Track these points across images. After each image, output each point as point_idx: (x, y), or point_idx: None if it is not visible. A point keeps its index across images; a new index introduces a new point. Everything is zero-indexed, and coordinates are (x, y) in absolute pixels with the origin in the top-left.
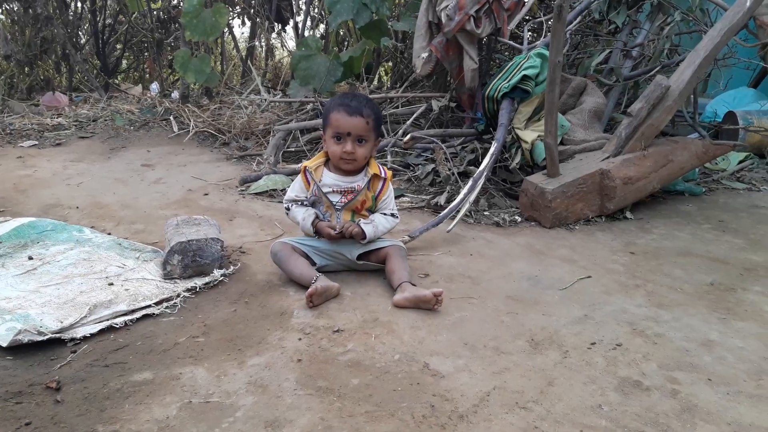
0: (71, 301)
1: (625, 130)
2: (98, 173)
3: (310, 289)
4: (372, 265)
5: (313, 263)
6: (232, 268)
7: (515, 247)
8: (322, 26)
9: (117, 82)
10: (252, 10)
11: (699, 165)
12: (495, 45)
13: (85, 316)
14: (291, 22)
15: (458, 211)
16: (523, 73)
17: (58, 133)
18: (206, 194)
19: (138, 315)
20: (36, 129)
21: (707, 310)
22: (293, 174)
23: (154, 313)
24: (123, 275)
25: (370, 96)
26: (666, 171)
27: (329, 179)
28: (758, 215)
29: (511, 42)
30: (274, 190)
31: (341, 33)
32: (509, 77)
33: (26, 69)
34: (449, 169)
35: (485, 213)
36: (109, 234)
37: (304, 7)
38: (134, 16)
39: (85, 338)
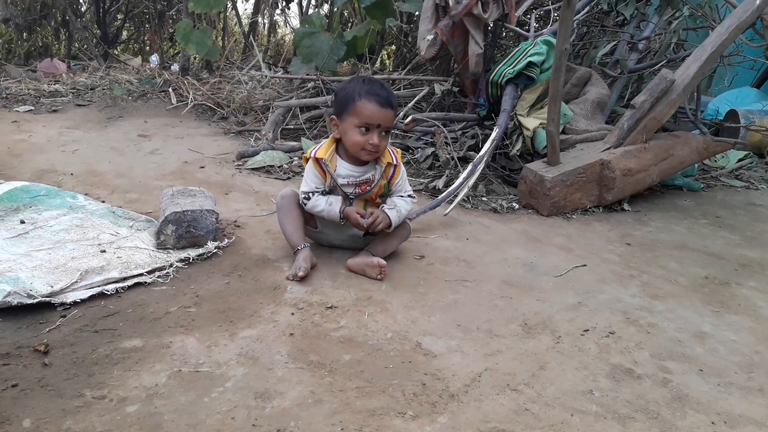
0: (62, 266)
1: (628, 122)
2: (94, 141)
3: (302, 254)
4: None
5: (315, 226)
6: (226, 241)
7: (512, 233)
8: (326, 5)
9: (116, 52)
10: None
11: (699, 161)
12: (501, 31)
13: (76, 282)
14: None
15: (456, 196)
16: (529, 59)
17: (54, 100)
18: (202, 167)
19: (130, 283)
20: (32, 95)
21: (701, 302)
22: (291, 151)
23: (145, 282)
24: (116, 243)
25: (373, 77)
26: (666, 165)
27: (343, 170)
28: (755, 213)
29: (517, 29)
30: (272, 166)
31: (346, 12)
32: (515, 63)
33: (25, 34)
34: (449, 154)
35: (483, 199)
36: (103, 202)
37: None
38: None
39: (75, 303)
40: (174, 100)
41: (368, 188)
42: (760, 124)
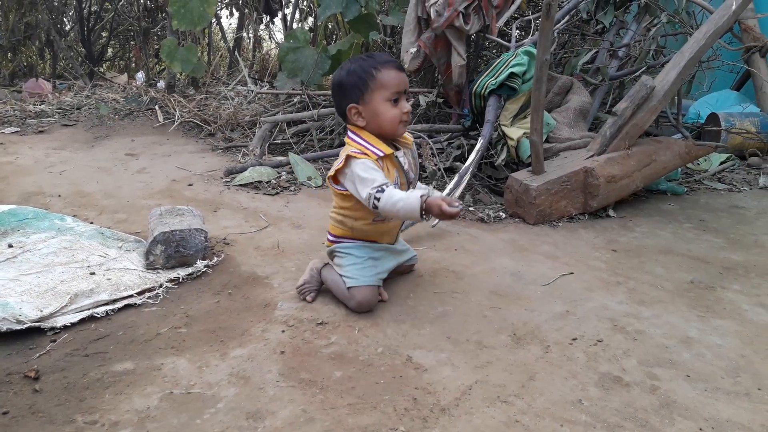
0: (52, 290)
1: (610, 129)
2: (81, 162)
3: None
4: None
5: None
6: (215, 259)
7: (499, 242)
8: (310, 19)
9: (102, 70)
10: (240, 1)
11: (681, 165)
12: (483, 42)
13: (66, 305)
14: (279, 14)
15: None
16: (511, 70)
17: (40, 121)
18: (190, 185)
19: (120, 305)
20: (18, 116)
21: (687, 307)
22: (279, 166)
23: (136, 303)
24: (105, 264)
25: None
26: (649, 170)
27: (401, 158)
28: (738, 215)
29: (499, 39)
30: (260, 181)
31: (330, 26)
32: (497, 74)
33: (9, 54)
34: (435, 165)
35: (470, 209)
36: (92, 223)
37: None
38: (120, 3)
39: (65, 327)
40: (161, 118)
41: (412, 177)
42: (740, 126)
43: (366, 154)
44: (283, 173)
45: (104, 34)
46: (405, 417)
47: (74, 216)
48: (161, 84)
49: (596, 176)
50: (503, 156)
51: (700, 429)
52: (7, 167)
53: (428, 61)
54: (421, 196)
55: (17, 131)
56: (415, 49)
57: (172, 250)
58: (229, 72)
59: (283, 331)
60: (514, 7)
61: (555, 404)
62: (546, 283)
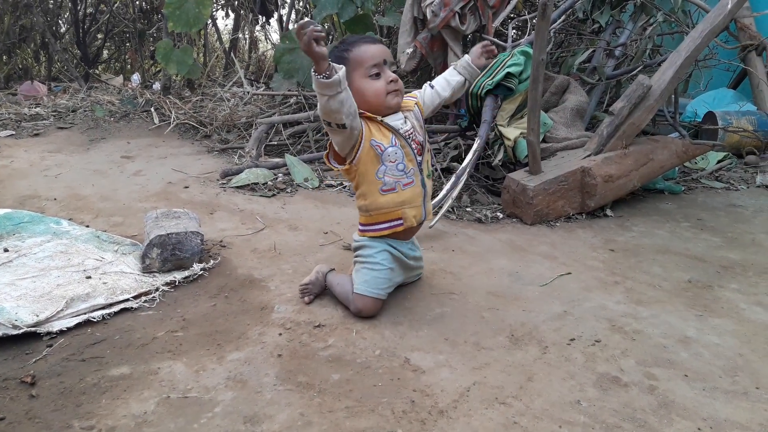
0: (47, 295)
1: (607, 129)
2: (77, 165)
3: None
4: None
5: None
6: (212, 262)
7: (497, 243)
8: (306, 19)
9: (97, 72)
10: (236, 2)
11: (679, 164)
12: (480, 42)
13: (62, 310)
14: (275, 15)
15: (441, 207)
16: (507, 70)
17: (36, 123)
18: (186, 187)
19: (116, 309)
20: (13, 119)
21: (685, 307)
22: (275, 167)
23: (132, 307)
24: (101, 268)
25: None
26: (646, 169)
27: (395, 121)
28: (735, 214)
29: (495, 39)
30: (256, 183)
31: (326, 27)
32: (493, 74)
33: (4, 57)
34: (432, 165)
35: (467, 209)
36: (88, 226)
37: (288, 0)
38: (116, 5)
39: (61, 332)
40: (156, 120)
41: (420, 142)
42: (737, 125)
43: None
44: (280, 175)
45: (99, 36)
46: (403, 419)
47: (70, 219)
48: (157, 86)
49: (593, 176)
50: (500, 156)
51: (699, 429)
52: (2, 171)
53: (425, 62)
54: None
55: (12, 134)
56: (411, 50)
57: (168, 254)
58: (225, 73)
59: (280, 334)
60: (510, 7)
61: (553, 405)
62: (544, 283)
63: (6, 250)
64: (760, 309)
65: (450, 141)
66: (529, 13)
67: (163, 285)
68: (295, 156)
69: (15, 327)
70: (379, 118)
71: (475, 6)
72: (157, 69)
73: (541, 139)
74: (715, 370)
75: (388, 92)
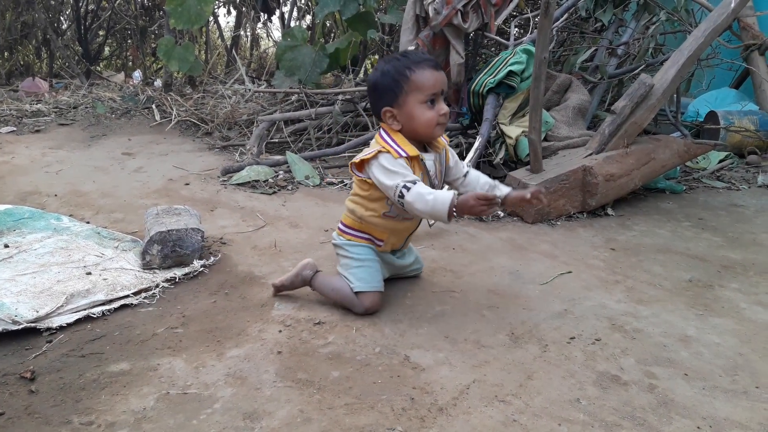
0: (48, 290)
1: (609, 128)
2: (78, 161)
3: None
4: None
5: None
6: (212, 258)
7: (497, 241)
8: (308, 17)
9: (99, 69)
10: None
11: (680, 163)
12: (482, 40)
13: (62, 306)
14: (277, 12)
15: None
16: (509, 68)
17: (37, 120)
18: (187, 184)
19: (116, 305)
20: (14, 115)
21: (685, 306)
22: (276, 165)
23: (132, 303)
24: (101, 264)
25: (355, 89)
26: (648, 169)
27: (429, 162)
28: (737, 214)
29: (497, 37)
30: (257, 180)
31: (328, 24)
32: (495, 72)
33: (5, 54)
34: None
35: None
36: (88, 223)
37: None
38: (117, 2)
39: (61, 328)
40: (158, 117)
41: (436, 183)
42: (739, 125)
43: (389, 151)
44: (281, 172)
45: (101, 32)
46: (402, 417)
47: (70, 216)
48: (158, 83)
49: (595, 175)
50: (501, 154)
51: (698, 427)
52: (3, 167)
53: None
54: (454, 193)
55: (14, 131)
56: (413, 47)
57: (168, 250)
58: (226, 71)
59: (280, 331)
60: (512, 5)
61: (553, 403)
62: (544, 282)
63: (6, 246)
64: (761, 308)
65: (452, 139)
66: (531, 11)
67: (163, 281)
68: (296, 153)
69: (15, 322)
70: (420, 156)
71: (477, 4)
72: (159, 66)
73: (542, 138)
74: (715, 370)
75: (437, 124)
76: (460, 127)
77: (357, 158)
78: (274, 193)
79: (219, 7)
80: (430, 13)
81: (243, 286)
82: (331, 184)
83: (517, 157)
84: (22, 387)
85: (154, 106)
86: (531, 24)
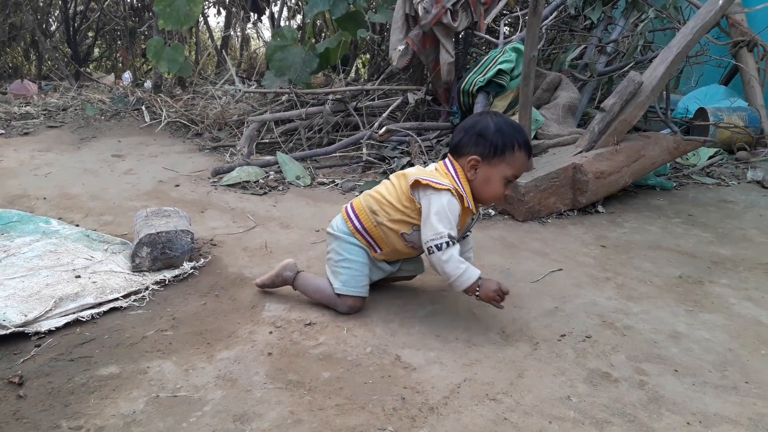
0: (36, 294)
1: (598, 125)
2: (67, 163)
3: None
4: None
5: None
6: (202, 260)
7: (488, 239)
8: (298, 17)
9: (88, 70)
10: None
11: (670, 160)
12: (471, 39)
13: (51, 309)
14: (267, 12)
15: None
16: (499, 67)
17: (25, 122)
18: (177, 186)
19: (105, 308)
20: (3, 118)
21: (675, 302)
22: (267, 165)
23: (121, 306)
24: (91, 267)
25: (346, 88)
26: (638, 165)
27: (470, 218)
28: (726, 210)
29: (487, 36)
30: (247, 181)
31: (318, 24)
32: (485, 71)
33: None
34: (424, 162)
35: None
36: (77, 225)
37: None
38: (106, 3)
39: (50, 332)
40: (147, 118)
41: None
42: (728, 121)
43: (459, 195)
44: (271, 173)
45: (90, 34)
46: (393, 417)
47: (60, 219)
48: (148, 84)
49: (585, 172)
50: None
51: (688, 423)
52: None
53: (417, 59)
54: (479, 274)
55: (2, 133)
56: (403, 47)
57: (158, 252)
58: (216, 71)
59: (270, 333)
60: (501, 4)
61: (543, 401)
62: (535, 280)
63: None
64: (750, 304)
65: (442, 138)
66: (520, 10)
67: (152, 284)
68: (286, 154)
69: (2, 327)
70: (470, 206)
71: (467, 2)
72: (149, 67)
73: (532, 136)
74: (704, 365)
75: (498, 200)
76: (451, 126)
77: (423, 179)
78: (265, 193)
79: (209, 8)
80: (420, 12)
81: (233, 287)
82: (322, 184)
83: None
84: (11, 392)
85: (143, 108)
86: (520, 22)
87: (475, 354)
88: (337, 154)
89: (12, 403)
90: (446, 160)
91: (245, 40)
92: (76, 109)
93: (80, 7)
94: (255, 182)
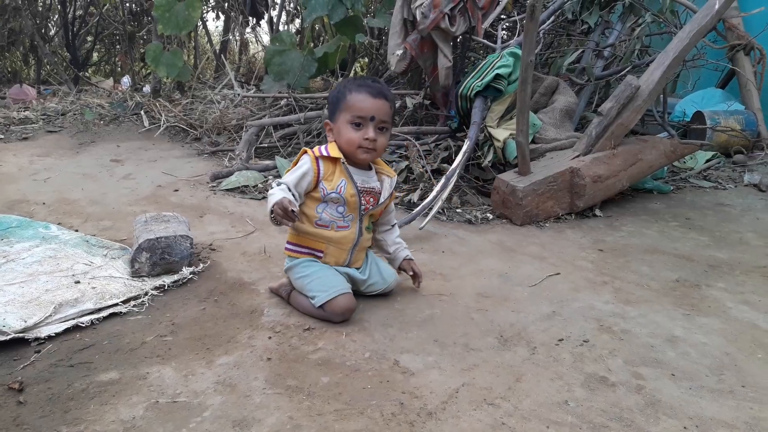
0: (36, 300)
1: (596, 129)
2: (66, 168)
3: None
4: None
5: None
6: (201, 265)
7: (486, 244)
8: (297, 21)
9: (87, 75)
10: (226, 4)
11: (667, 164)
12: (469, 43)
13: (50, 315)
14: (266, 17)
15: (431, 209)
16: (496, 72)
17: (24, 127)
18: (176, 190)
19: (105, 314)
20: (2, 122)
21: (672, 306)
22: (265, 170)
23: (121, 312)
24: (90, 273)
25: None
26: (635, 169)
27: (355, 174)
28: (723, 213)
29: (485, 41)
30: (246, 186)
31: (316, 28)
32: (482, 76)
33: None
34: (423, 167)
35: (458, 210)
36: (77, 231)
37: (278, 1)
38: (105, 8)
39: (49, 338)
40: (146, 123)
41: (374, 202)
42: (725, 124)
43: (313, 151)
44: (270, 177)
45: (89, 38)
46: (392, 422)
47: (59, 224)
48: (147, 88)
49: (582, 176)
50: (490, 157)
51: (685, 428)
52: None
53: (415, 63)
54: (284, 197)
55: (1, 138)
56: (401, 51)
57: (157, 258)
58: (215, 75)
59: (269, 338)
60: (499, 9)
61: (541, 406)
62: (533, 284)
63: None
64: (747, 308)
65: (440, 142)
66: (518, 14)
67: (152, 289)
68: (285, 158)
69: (2, 333)
70: (342, 160)
71: (464, 7)
72: (147, 71)
73: (530, 140)
74: (701, 369)
75: (359, 146)
76: (449, 130)
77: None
78: (264, 198)
79: (207, 12)
80: (418, 17)
81: (232, 292)
82: None
83: (505, 160)
84: (11, 398)
85: (142, 112)
86: (518, 27)
87: (473, 359)
88: None
89: (12, 409)
90: None
91: (244, 44)
92: (75, 114)
93: (79, 12)
94: (254, 187)
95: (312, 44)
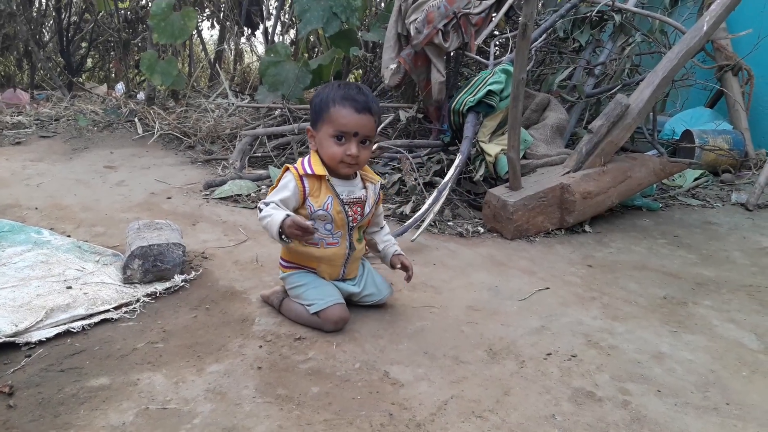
0: (27, 305)
1: (586, 146)
2: (59, 174)
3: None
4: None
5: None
6: (193, 273)
7: (477, 257)
8: (292, 32)
9: (81, 81)
10: (221, 14)
11: (656, 181)
12: (462, 59)
13: (42, 320)
14: (261, 27)
15: (423, 221)
16: (488, 88)
17: (17, 132)
18: (169, 198)
19: (96, 319)
20: None
21: (659, 323)
22: (259, 179)
23: (112, 318)
24: (82, 279)
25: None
26: (624, 186)
27: (340, 187)
28: (711, 231)
29: (477, 57)
30: (239, 195)
31: (311, 40)
32: (475, 91)
33: None
34: (415, 179)
35: (449, 223)
36: (69, 236)
37: (274, 13)
38: (101, 14)
39: (40, 342)
40: (140, 130)
41: (361, 212)
42: (713, 143)
43: (296, 168)
44: (264, 186)
45: (84, 44)
46: None
47: (51, 229)
48: (141, 96)
49: (572, 192)
50: (481, 171)
51: None
52: None
53: (408, 78)
54: (287, 215)
55: None
56: (395, 65)
57: (149, 265)
58: (209, 84)
59: (260, 347)
60: (492, 25)
61: (528, 419)
62: (522, 298)
63: None
64: (733, 326)
65: (433, 156)
66: (511, 31)
67: (143, 296)
68: (279, 168)
69: None
70: (327, 177)
71: (458, 24)
72: (142, 78)
73: (521, 156)
74: (687, 386)
75: (341, 161)
76: (442, 144)
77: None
78: (257, 207)
79: (203, 21)
80: (412, 32)
81: (224, 301)
82: None
83: (496, 174)
84: (1, 402)
85: (136, 119)
86: (511, 43)
87: (463, 371)
88: None
89: (2, 413)
90: None
91: (239, 54)
92: (68, 120)
93: (74, 18)
94: (247, 196)
95: (307, 56)
